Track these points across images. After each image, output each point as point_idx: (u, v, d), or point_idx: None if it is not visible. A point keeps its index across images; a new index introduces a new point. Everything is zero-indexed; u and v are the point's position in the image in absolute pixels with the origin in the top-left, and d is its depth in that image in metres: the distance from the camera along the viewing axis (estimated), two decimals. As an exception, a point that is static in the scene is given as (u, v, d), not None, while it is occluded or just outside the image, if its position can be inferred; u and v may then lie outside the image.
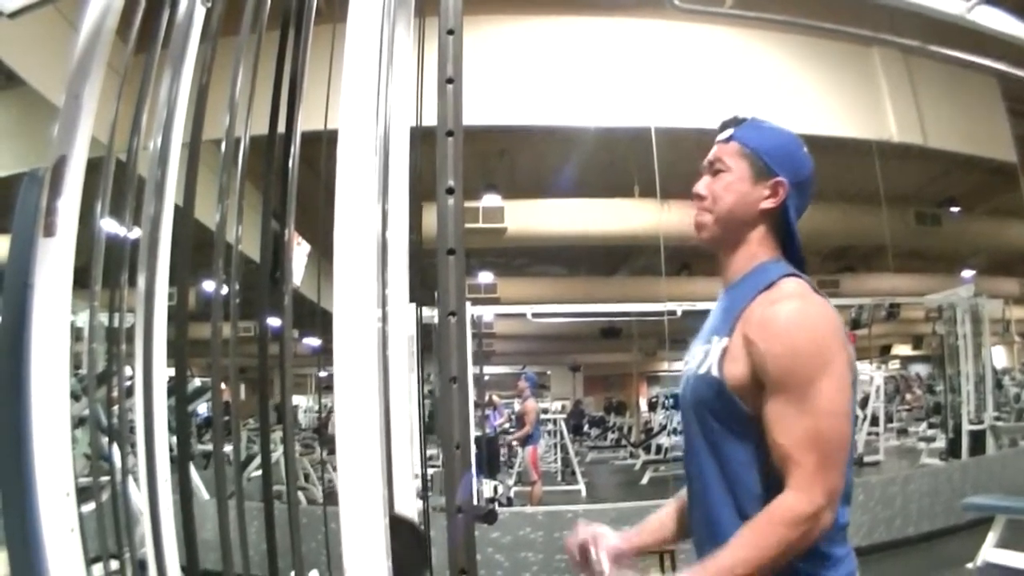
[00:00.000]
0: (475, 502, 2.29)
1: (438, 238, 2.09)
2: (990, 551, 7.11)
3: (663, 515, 2.41)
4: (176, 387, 2.95)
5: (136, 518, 2.78)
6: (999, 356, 19.08)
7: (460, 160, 2.13)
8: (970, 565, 7.24)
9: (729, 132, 2.29)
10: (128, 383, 2.80)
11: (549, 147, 12.10)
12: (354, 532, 1.79)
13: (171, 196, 2.83)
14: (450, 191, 2.11)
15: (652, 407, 22.76)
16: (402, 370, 2.65)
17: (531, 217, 13.18)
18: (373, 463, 1.84)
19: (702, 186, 2.29)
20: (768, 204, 2.20)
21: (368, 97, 2.05)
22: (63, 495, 2.47)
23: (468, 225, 2.21)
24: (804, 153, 2.28)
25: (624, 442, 20.50)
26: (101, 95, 2.66)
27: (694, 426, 2.13)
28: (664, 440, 16.90)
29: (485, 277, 15.82)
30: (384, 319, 2.45)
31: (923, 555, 8.55)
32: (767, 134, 2.28)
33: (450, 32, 2.22)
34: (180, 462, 2.99)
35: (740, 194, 2.21)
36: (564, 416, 16.62)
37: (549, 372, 28.22)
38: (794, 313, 2.00)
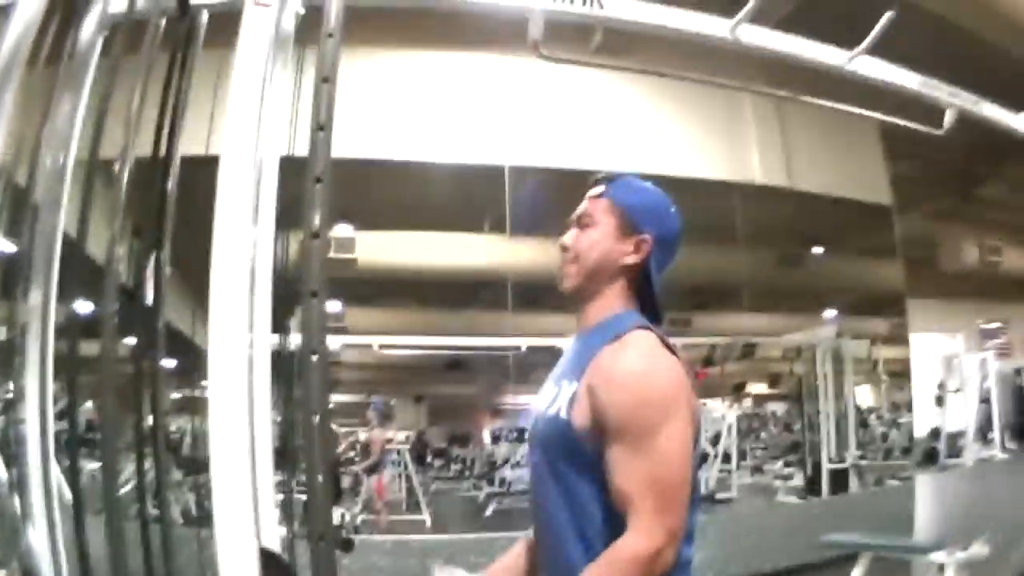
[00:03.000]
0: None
1: (303, 280, 2.20)
2: (855, 589, 7.22)
3: (510, 558, 2.45)
4: (68, 408, 2.98)
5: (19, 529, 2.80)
6: (865, 395, 19.60)
7: (327, 207, 2.25)
8: (834, 603, 7.30)
9: (601, 188, 2.40)
10: (8, 396, 2.84)
11: (403, 180, 12.19)
12: (229, 552, 1.90)
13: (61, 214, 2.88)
14: (315, 236, 2.22)
15: (496, 440, 22.83)
16: (264, 397, 2.74)
17: (382, 248, 13.22)
18: (245, 486, 1.95)
19: (569, 239, 2.38)
20: (630, 260, 2.30)
21: (249, 123, 2.17)
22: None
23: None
24: (672, 212, 2.40)
25: (468, 474, 20.51)
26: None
27: (542, 463, 2.21)
28: (508, 473, 16.95)
29: (333, 306, 15.77)
30: (251, 345, 2.50)
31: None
32: (637, 192, 2.41)
33: (325, 80, 2.34)
34: (71, 483, 3.01)
35: (604, 250, 2.30)
36: (408, 447, 16.63)
37: (394, 402, 27.97)
38: (637, 365, 2.09)
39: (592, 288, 2.33)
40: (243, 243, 2.12)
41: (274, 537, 2.78)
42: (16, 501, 2.84)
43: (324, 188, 2.28)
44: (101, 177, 2.88)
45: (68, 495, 2.97)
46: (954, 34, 9.83)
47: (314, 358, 2.18)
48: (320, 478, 2.10)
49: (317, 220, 2.25)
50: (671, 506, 1.99)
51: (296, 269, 2.42)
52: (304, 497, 2.21)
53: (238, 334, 2.07)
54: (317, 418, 2.16)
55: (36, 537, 2.62)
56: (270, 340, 2.88)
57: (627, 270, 2.32)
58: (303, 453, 2.22)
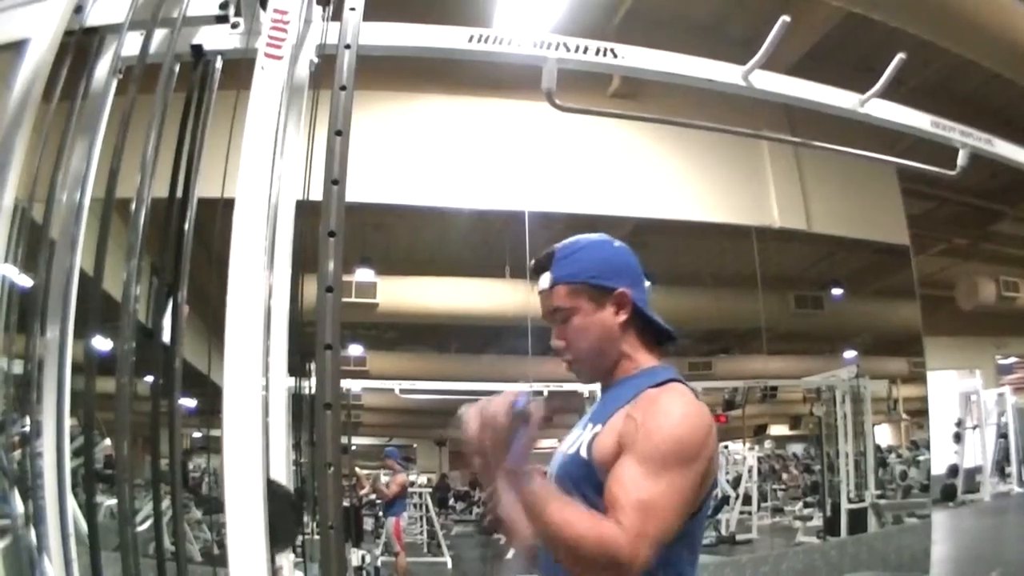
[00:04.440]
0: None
1: (317, 332, 2.20)
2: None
3: None
4: (84, 445, 2.99)
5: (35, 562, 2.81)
6: (884, 434, 19.51)
7: (340, 260, 2.25)
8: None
9: (547, 278, 2.35)
10: (25, 430, 2.85)
11: (424, 224, 12.24)
12: None
13: (79, 251, 2.90)
14: (329, 289, 2.23)
15: (518, 482, 22.61)
16: (282, 439, 2.74)
17: (403, 293, 13.26)
18: (259, 527, 1.96)
19: (556, 338, 2.40)
20: (622, 318, 2.30)
21: (263, 171, 2.19)
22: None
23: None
24: (618, 248, 2.40)
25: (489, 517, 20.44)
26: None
27: None
28: (528, 515, 16.87)
29: (355, 350, 15.82)
30: (267, 388, 2.51)
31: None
32: (580, 257, 2.35)
33: (338, 133, 2.36)
34: (88, 518, 3.01)
35: (594, 331, 2.31)
36: (430, 489, 16.60)
37: (415, 445, 28.01)
38: (682, 406, 2.11)
39: (607, 363, 2.35)
40: (258, 286, 2.13)
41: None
42: (32, 534, 2.87)
43: (338, 242, 2.29)
44: (118, 216, 2.90)
45: (84, 529, 2.98)
46: (967, 72, 9.85)
47: (327, 411, 2.17)
48: (333, 528, 2.10)
49: (331, 273, 2.26)
50: (651, 537, 1.95)
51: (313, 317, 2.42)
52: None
53: (253, 376, 2.08)
54: (331, 469, 2.16)
55: (51, 570, 2.61)
56: (287, 383, 2.89)
57: (624, 326, 2.32)
58: (318, 502, 2.22)
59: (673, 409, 2.10)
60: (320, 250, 2.28)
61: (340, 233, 2.28)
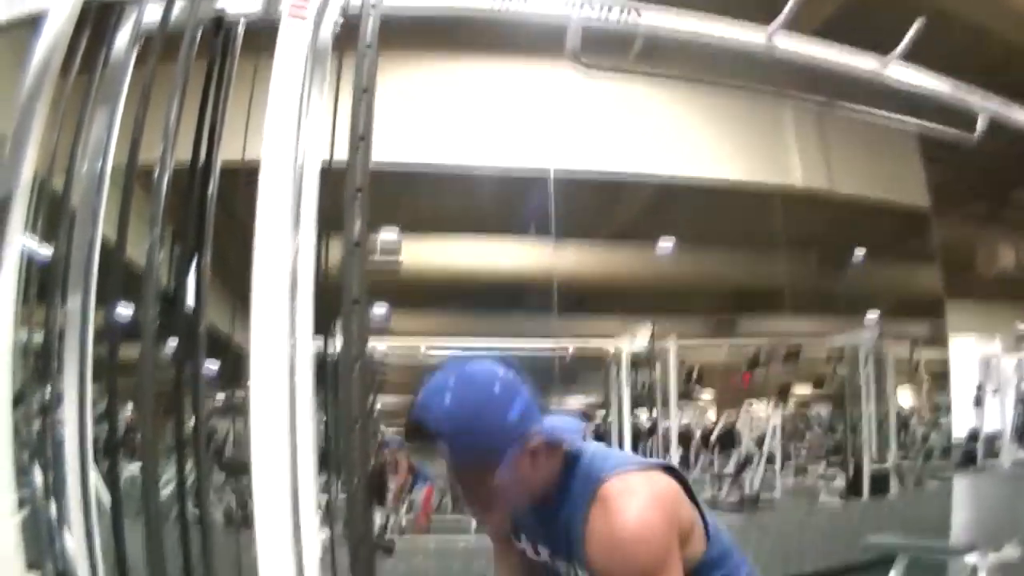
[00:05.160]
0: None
1: (343, 289, 2.19)
2: (892, 590, 7.20)
3: None
4: (108, 409, 3.00)
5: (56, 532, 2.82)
6: (907, 397, 19.50)
7: (367, 217, 2.25)
8: (871, 604, 7.28)
9: (433, 447, 1.99)
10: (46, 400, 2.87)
11: (450, 185, 12.24)
12: (269, 554, 1.92)
13: (101, 220, 2.89)
14: (356, 245, 2.22)
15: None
16: (308, 400, 2.76)
17: (428, 253, 13.30)
18: (285, 488, 1.97)
19: (474, 507, 2.19)
20: (542, 472, 2.09)
21: (288, 132, 2.19)
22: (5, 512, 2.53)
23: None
24: (496, 395, 2.05)
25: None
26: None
27: None
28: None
29: (380, 310, 15.87)
30: (293, 349, 2.50)
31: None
32: (468, 420, 1.98)
33: (364, 91, 2.35)
34: (111, 486, 3.03)
35: (505, 487, 2.02)
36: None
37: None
38: (626, 529, 1.94)
39: (530, 499, 2.14)
40: (283, 248, 2.14)
41: (315, 540, 2.82)
42: (52, 505, 2.87)
43: (364, 198, 2.28)
44: (140, 184, 2.90)
45: (105, 498, 2.98)
46: (987, 40, 9.76)
47: (355, 365, 2.17)
48: (360, 483, 2.10)
49: (357, 230, 2.25)
50: None
51: (339, 276, 2.43)
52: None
53: (279, 338, 2.09)
54: (358, 424, 2.16)
55: (72, 540, 2.62)
56: (312, 344, 2.91)
57: (537, 460, 2.07)
58: (344, 458, 2.22)
59: (623, 534, 1.94)
60: (346, 207, 2.27)
61: (366, 190, 2.27)
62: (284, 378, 2.04)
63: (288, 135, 2.21)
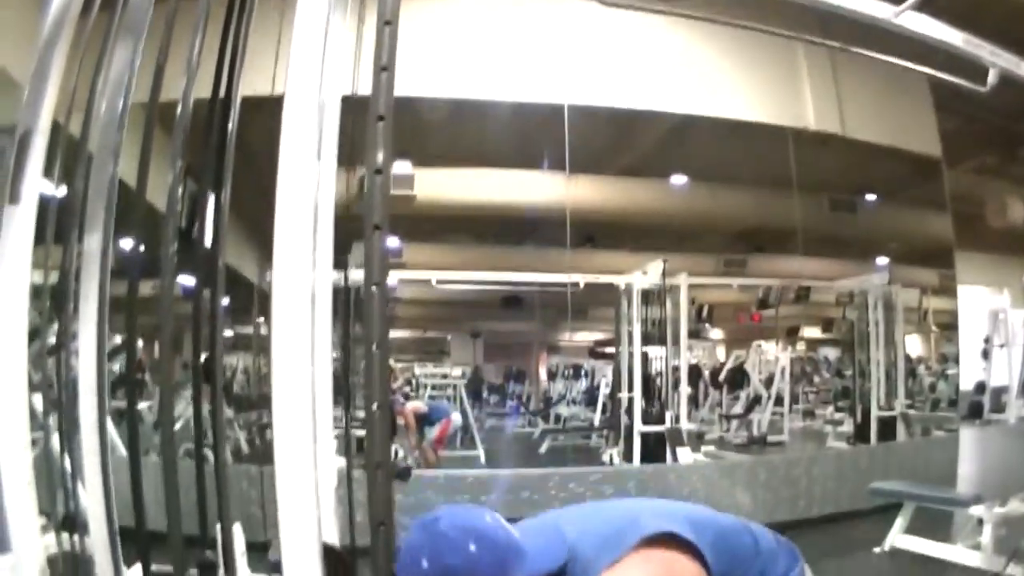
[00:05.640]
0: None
1: (365, 213, 2.20)
2: (898, 537, 7.29)
3: None
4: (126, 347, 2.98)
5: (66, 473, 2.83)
6: (915, 345, 19.56)
7: (390, 145, 2.25)
8: (877, 550, 7.41)
9: None
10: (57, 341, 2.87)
11: (463, 117, 12.21)
12: (289, 485, 1.93)
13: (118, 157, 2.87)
14: (378, 172, 2.22)
15: (552, 377, 22.92)
16: (326, 333, 2.77)
17: (440, 185, 13.28)
18: (305, 420, 1.97)
19: None
20: None
21: (312, 63, 2.18)
22: (21, 449, 2.56)
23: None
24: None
25: (523, 410, 20.63)
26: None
27: None
28: (563, 410, 17.05)
29: (392, 242, 15.84)
30: (314, 281, 2.51)
31: (828, 537, 8.72)
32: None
33: (387, 23, 2.34)
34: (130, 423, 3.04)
35: None
36: (464, 382, 16.75)
37: (449, 338, 28.21)
38: None
39: None
40: (307, 180, 2.13)
41: (332, 468, 2.83)
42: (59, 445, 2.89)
43: (387, 126, 2.27)
44: (160, 120, 2.87)
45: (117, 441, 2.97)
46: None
47: (375, 290, 2.17)
48: (378, 408, 2.11)
49: (380, 157, 2.25)
50: None
51: (356, 206, 2.42)
52: (361, 431, 2.22)
53: (302, 271, 2.08)
54: (377, 350, 2.16)
55: (85, 485, 2.59)
56: (333, 276, 2.91)
57: None
58: (362, 383, 2.23)
59: None
60: (369, 134, 2.26)
61: (389, 118, 2.26)
62: (306, 309, 2.03)
63: (312, 67, 2.19)
